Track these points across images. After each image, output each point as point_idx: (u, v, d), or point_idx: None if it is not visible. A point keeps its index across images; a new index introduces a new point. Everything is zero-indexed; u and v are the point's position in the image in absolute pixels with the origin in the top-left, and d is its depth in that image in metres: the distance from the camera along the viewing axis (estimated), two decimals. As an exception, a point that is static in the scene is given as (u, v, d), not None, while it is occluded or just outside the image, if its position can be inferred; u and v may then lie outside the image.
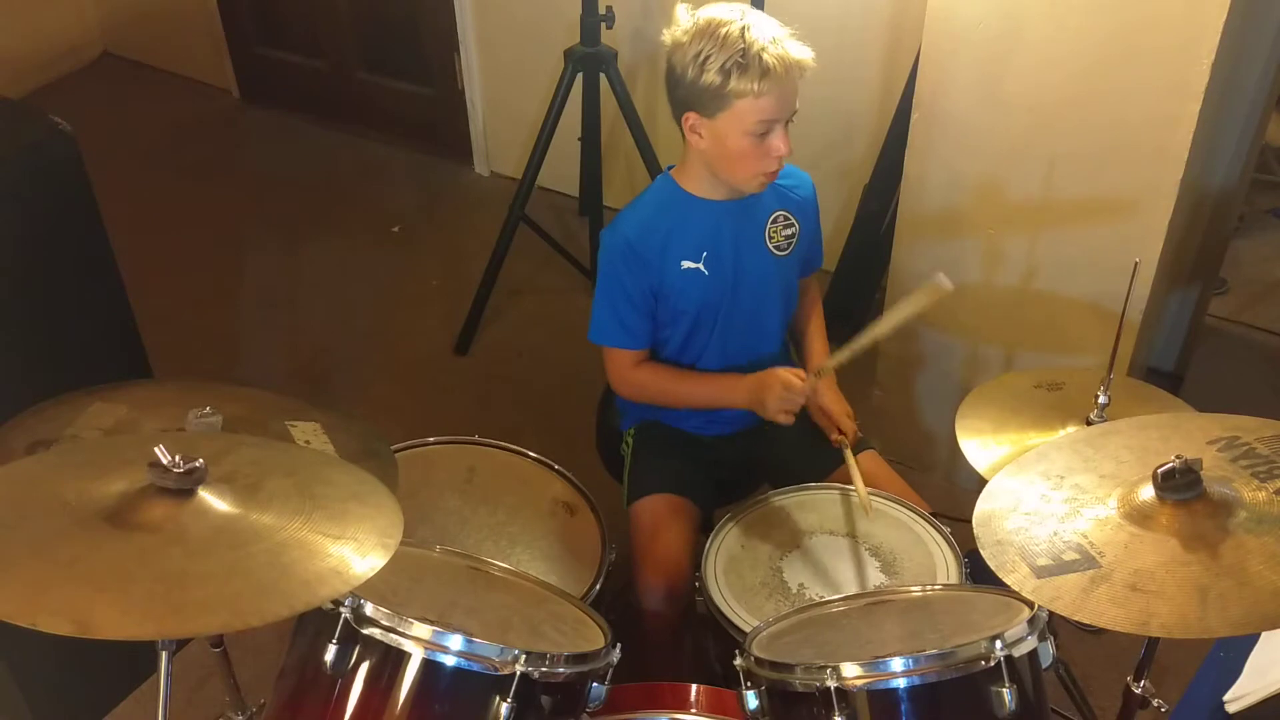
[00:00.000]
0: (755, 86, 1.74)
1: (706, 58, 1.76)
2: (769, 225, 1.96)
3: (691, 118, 1.82)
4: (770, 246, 1.97)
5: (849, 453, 1.97)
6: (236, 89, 4.32)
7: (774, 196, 1.96)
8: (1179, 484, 1.31)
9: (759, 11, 1.81)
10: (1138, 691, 1.61)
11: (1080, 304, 2.34)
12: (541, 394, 3.03)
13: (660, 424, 2.10)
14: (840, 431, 2.01)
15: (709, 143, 1.83)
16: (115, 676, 2.23)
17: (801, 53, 1.77)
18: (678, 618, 1.89)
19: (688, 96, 1.80)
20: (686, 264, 1.92)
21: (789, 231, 1.98)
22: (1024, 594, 1.31)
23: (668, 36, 1.81)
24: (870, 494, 1.94)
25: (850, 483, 1.94)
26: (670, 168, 1.97)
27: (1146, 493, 1.34)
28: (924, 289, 1.75)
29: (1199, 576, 1.24)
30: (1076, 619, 1.26)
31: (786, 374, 1.86)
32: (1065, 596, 1.27)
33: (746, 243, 1.95)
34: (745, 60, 1.73)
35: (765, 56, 1.73)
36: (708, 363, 2.01)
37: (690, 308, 1.95)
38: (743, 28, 1.75)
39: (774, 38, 1.75)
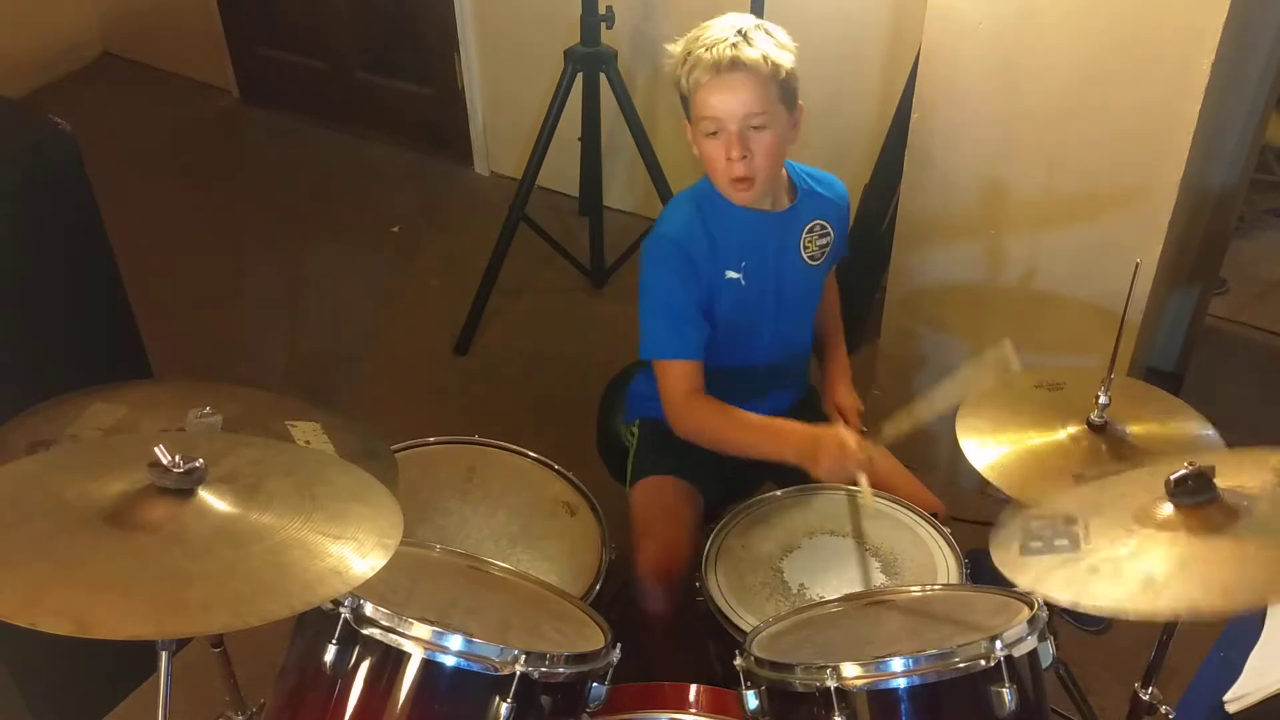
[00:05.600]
0: (693, 78, 1.74)
1: (683, 54, 1.78)
2: (804, 235, 1.94)
3: (687, 125, 1.83)
4: (805, 257, 1.95)
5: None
6: (236, 89, 4.32)
7: (812, 205, 1.94)
8: (1192, 489, 1.32)
9: (753, 19, 1.79)
10: (1145, 698, 1.61)
11: (1080, 304, 2.35)
12: (541, 394, 3.03)
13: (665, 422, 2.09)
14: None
15: (693, 143, 1.83)
16: (115, 676, 2.23)
17: (765, 52, 1.73)
18: (676, 607, 1.88)
19: (678, 95, 1.81)
20: (730, 274, 1.89)
21: (824, 241, 1.96)
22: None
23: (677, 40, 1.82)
24: (871, 494, 1.94)
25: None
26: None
27: (1166, 509, 1.35)
28: (991, 361, 1.78)
29: (1254, 553, 1.26)
30: (1150, 618, 1.28)
31: (845, 435, 1.78)
32: (1129, 599, 1.28)
33: (784, 253, 1.93)
34: (692, 56, 1.74)
35: (710, 51, 1.72)
36: (742, 365, 2.00)
37: (726, 319, 1.92)
38: (718, 25, 1.75)
39: (738, 35, 1.73)
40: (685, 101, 1.80)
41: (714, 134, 1.77)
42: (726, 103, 1.74)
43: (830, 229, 1.97)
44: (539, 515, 1.95)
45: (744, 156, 1.76)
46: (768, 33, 1.77)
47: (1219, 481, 1.34)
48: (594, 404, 2.30)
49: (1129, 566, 1.30)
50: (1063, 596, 1.32)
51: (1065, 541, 1.37)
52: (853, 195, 2.96)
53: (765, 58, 1.73)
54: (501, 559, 1.82)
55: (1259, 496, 1.33)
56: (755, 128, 1.76)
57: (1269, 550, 1.25)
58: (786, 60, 1.76)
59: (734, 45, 1.72)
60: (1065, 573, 1.34)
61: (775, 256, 1.92)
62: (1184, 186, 2.15)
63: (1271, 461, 1.39)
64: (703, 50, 1.73)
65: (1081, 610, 1.32)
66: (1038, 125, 2.22)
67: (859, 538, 1.89)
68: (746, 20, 1.78)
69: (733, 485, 2.12)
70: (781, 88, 1.77)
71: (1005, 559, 1.42)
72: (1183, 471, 1.33)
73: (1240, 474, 1.37)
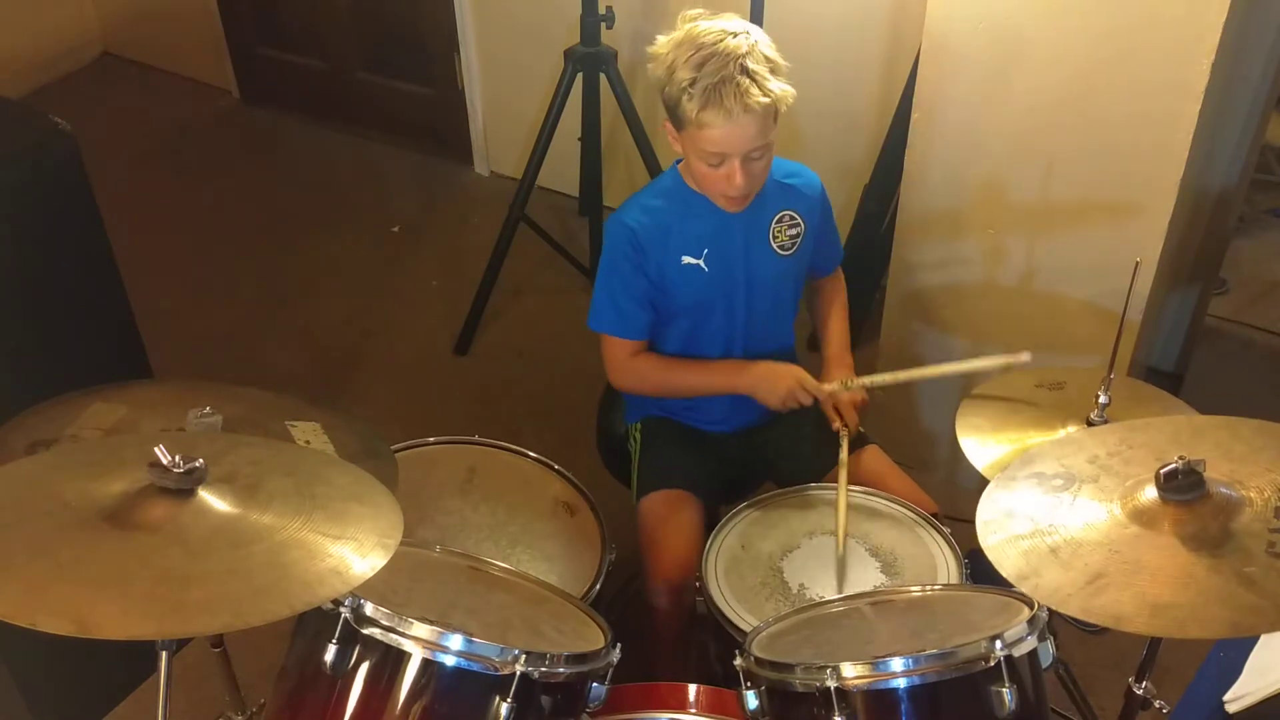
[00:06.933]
0: (702, 117, 1.73)
1: (674, 71, 1.75)
2: (773, 225, 1.95)
3: (668, 125, 1.83)
4: (774, 246, 1.96)
5: (844, 451, 1.96)
6: (236, 89, 4.31)
7: (780, 195, 1.96)
8: (1181, 485, 1.31)
9: (753, 33, 1.77)
10: (1139, 692, 1.61)
11: (1080, 304, 2.35)
12: (541, 394, 3.03)
13: (667, 420, 2.10)
14: (843, 421, 1.99)
15: (683, 153, 1.84)
16: (115, 676, 2.23)
17: (771, 93, 1.72)
18: (683, 613, 1.89)
19: (664, 103, 1.81)
20: (687, 259, 1.92)
21: (794, 231, 1.97)
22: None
23: (659, 41, 1.80)
24: (867, 493, 1.94)
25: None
26: (679, 161, 1.96)
27: (1149, 493, 1.34)
28: (1002, 356, 1.82)
29: (1201, 576, 1.24)
30: (1078, 617, 1.26)
31: (806, 377, 1.92)
32: (1068, 592, 1.27)
33: (751, 242, 1.94)
34: (695, 89, 1.72)
35: (719, 90, 1.70)
36: (723, 354, 2.01)
37: (689, 304, 1.95)
38: (714, 53, 1.71)
39: (741, 73, 1.70)
40: (676, 113, 1.79)
41: (716, 165, 1.79)
42: (735, 142, 1.76)
43: (800, 220, 1.98)
44: (539, 515, 1.95)
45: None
46: (770, 64, 1.75)
47: (1216, 471, 1.31)
48: (594, 404, 2.30)
49: (1086, 556, 1.29)
50: (1010, 571, 1.32)
51: (1058, 491, 1.39)
52: (852, 195, 2.98)
53: (774, 100, 1.74)
54: (501, 559, 1.82)
55: (1250, 501, 1.31)
56: (756, 159, 1.80)
57: (1215, 579, 1.23)
58: (791, 95, 1.77)
59: (745, 91, 1.70)
60: (1027, 544, 1.34)
61: (742, 245, 1.94)
62: (1184, 186, 2.15)
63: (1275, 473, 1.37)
64: (710, 89, 1.70)
65: (1018, 590, 1.33)
66: (1037, 125, 2.22)
67: (858, 538, 1.89)
68: (742, 43, 1.73)
69: (733, 486, 2.13)
70: (778, 115, 1.79)
71: (995, 490, 1.44)
72: (1172, 465, 1.31)
73: (1246, 463, 1.35)
